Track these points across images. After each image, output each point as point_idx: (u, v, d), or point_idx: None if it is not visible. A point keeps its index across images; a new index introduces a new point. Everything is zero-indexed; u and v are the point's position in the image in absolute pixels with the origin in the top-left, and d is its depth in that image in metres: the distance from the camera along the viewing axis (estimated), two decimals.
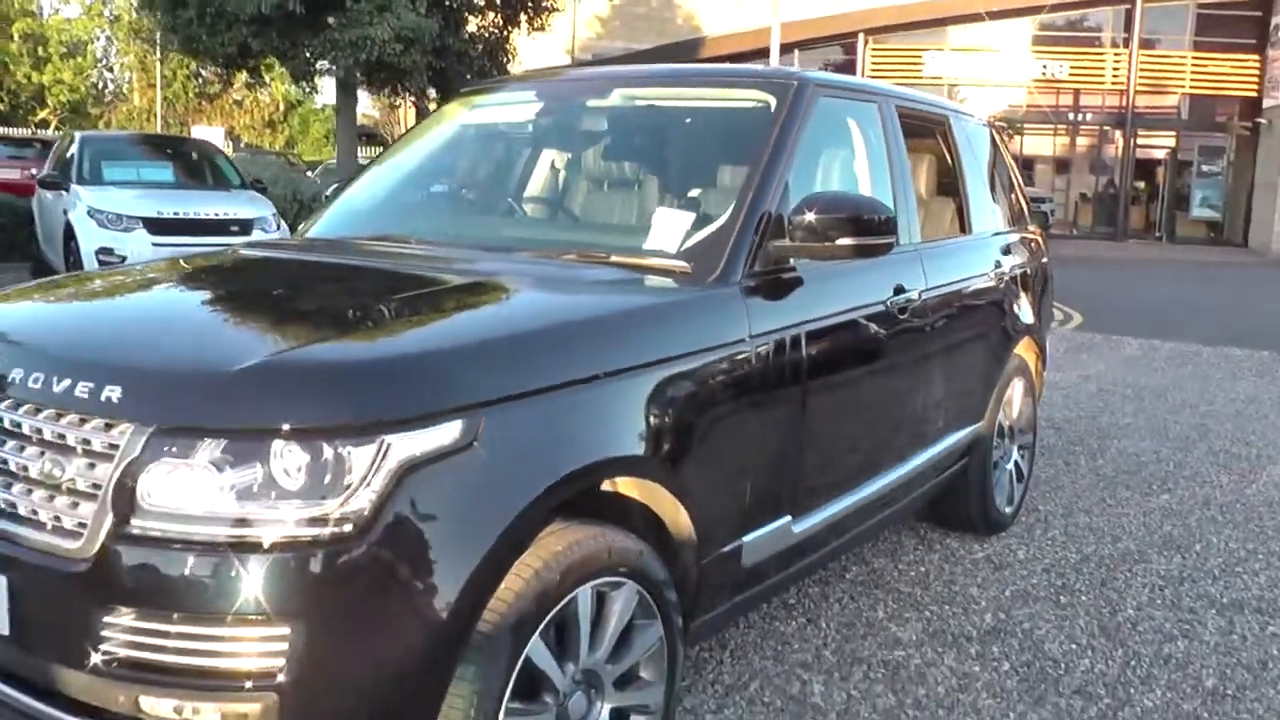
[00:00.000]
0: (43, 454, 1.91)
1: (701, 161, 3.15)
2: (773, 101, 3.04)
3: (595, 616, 2.16)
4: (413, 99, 16.93)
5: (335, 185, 3.69)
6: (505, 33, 16.35)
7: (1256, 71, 27.92)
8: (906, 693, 3.06)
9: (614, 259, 2.68)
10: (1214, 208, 29.60)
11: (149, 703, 1.78)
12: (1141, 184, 31.02)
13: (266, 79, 17.46)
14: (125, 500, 1.79)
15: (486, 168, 3.55)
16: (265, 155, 26.99)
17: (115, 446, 1.82)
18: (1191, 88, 29.01)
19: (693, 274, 2.60)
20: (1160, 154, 30.70)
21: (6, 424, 1.98)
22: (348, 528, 1.75)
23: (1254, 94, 28.01)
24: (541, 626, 2.00)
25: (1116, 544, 4.38)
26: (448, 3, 14.35)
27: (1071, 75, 29.93)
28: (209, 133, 29.23)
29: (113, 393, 1.85)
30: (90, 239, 8.30)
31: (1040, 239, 5.12)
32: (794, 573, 2.99)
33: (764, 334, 2.62)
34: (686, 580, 2.42)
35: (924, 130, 3.98)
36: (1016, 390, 4.48)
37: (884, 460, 3.36)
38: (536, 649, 2.00)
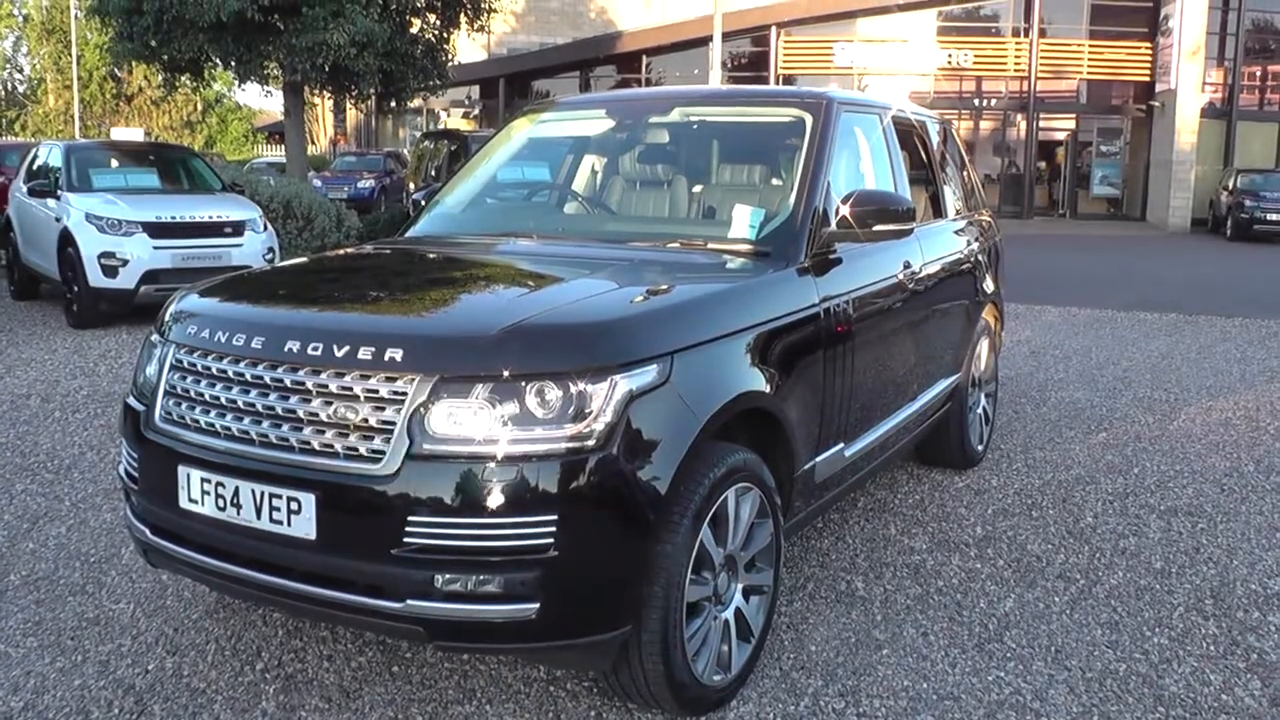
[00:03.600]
0: (330, 403, 2.54)
1: (755, 165, 3.89)
2: (807, 118, 3.79)
3: (734, 514, 2.88)
4: (353, 99, 17.33)
5: (424, 191, 4.32)
6: (446, 33, 16.84)
7: (1149, 58, 29.69)
8: (929, 584, 3.86)
9: (711, 246, 3.42)
10: (1113, 185, 31.40)
11: (443, 579, 2.43)
12: (1044, 164, 32.63)
13: (209, 81, 17.60)
14: (417, 431, 2.45)
15: (573, 173, 4.23)
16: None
17: (402, 393, 2.47)
18: (1089, 73, 30.63)
19: (771, 256, 3.34)
20: (1061, 136, 32.33)
21: (289, 383, 2.60)
22: (590, 443, 2.44)
23: (1147, 79, 29.78)
24: (708, 518, 2.72)
25: (1069, 471, 5.26)
26: (393, 6, 14.80)
27: (975, 63, 31.20)
28: (128, 134, 28.90)
29: (395, 354, 2.49)
30: (92, 244, 8.64)
31: (992, 220, 5.98)
32: (844, 489, 3.76)
33: (825, 300, 3.38)
34: (783, 490, 3.17)
35: (908, 132, 4.78)
36: (983, 347, 5.33)
37: (900, 401, 4.15)
38: (705, 534, 2.73)
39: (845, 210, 3.49)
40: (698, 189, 3.87)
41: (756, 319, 3.00)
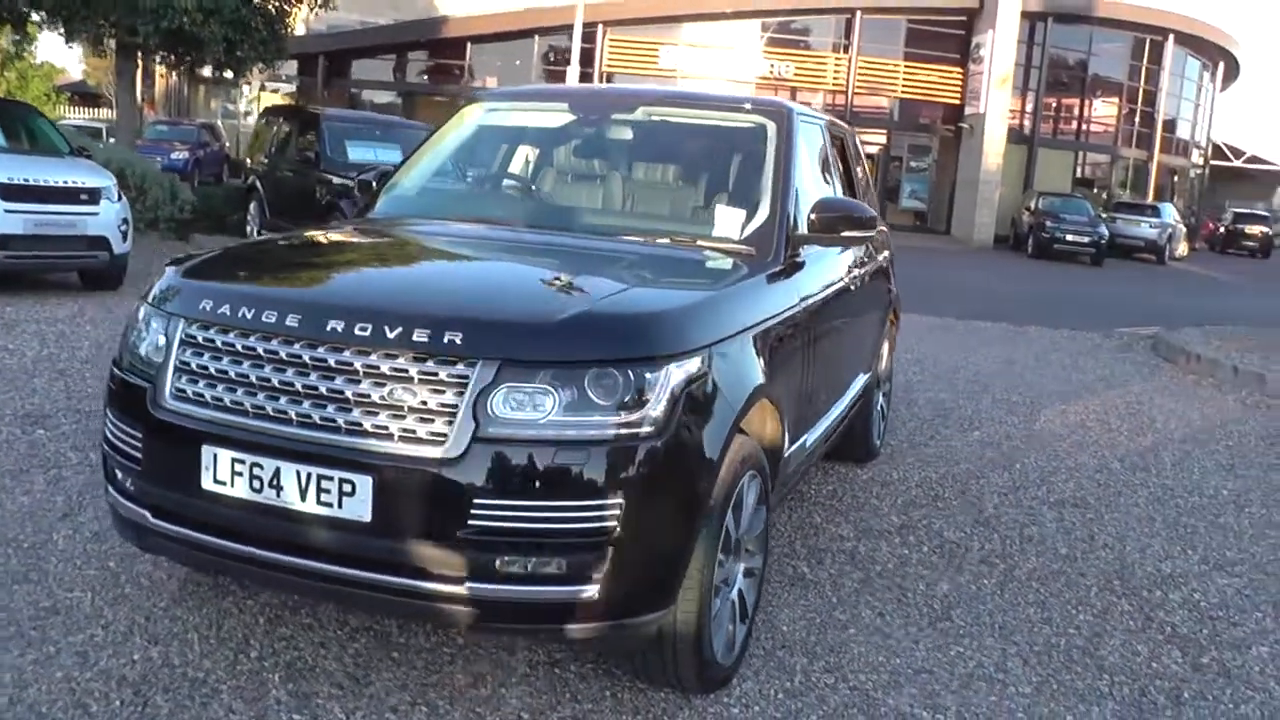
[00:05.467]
0: (381, 384, 2.51)
1: (722, 167, 4.03)
2: (769, 125, 3.97)
3: (746, 499, 3.02)
4: (184, 67, 16.41)
5: (377, 174, 4.24)
6: (288, 5, 16.20)
7: (959, 82, 31.75)
8: (868, 569, 4.12)
9: (699, 243, 3.54)
10: (920, 200, 33.43)
11: (504, 561, 2.46)
12: None
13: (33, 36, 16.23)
14: (481, 414, 2.45)
15: (542, 165, 4.23)
16: None
17: (464, 377, 2.47)
18: (903, 92, 32.48)
19: (756, 256, 3.50)
20: (873, 150, 34.08)
21: (333, 363, 2.55)
22: (649, 429, 2.51)
23: (957, 102, 31.85)
24: (732, 501, 2.85)
25: (958, 466, 5.68)
26: None
27: (796, 75, 32.50)
28: None
29: (454, 337, 2.48)
30: None
31: (886, 227, 6.36)
32: (798, 476, 3.97)
33: (803, 299, 3.57)
34: (771, 478, 3.33)
35: (839, 143, 5.04)
36: (885, 347, 5.68)
37: (837, 396, 4.40)
38: (729, 518, 2.86)
39: (814, 216, 3.69)
40: (669, 187, 3.99)
41: (763, 315, 3.15)
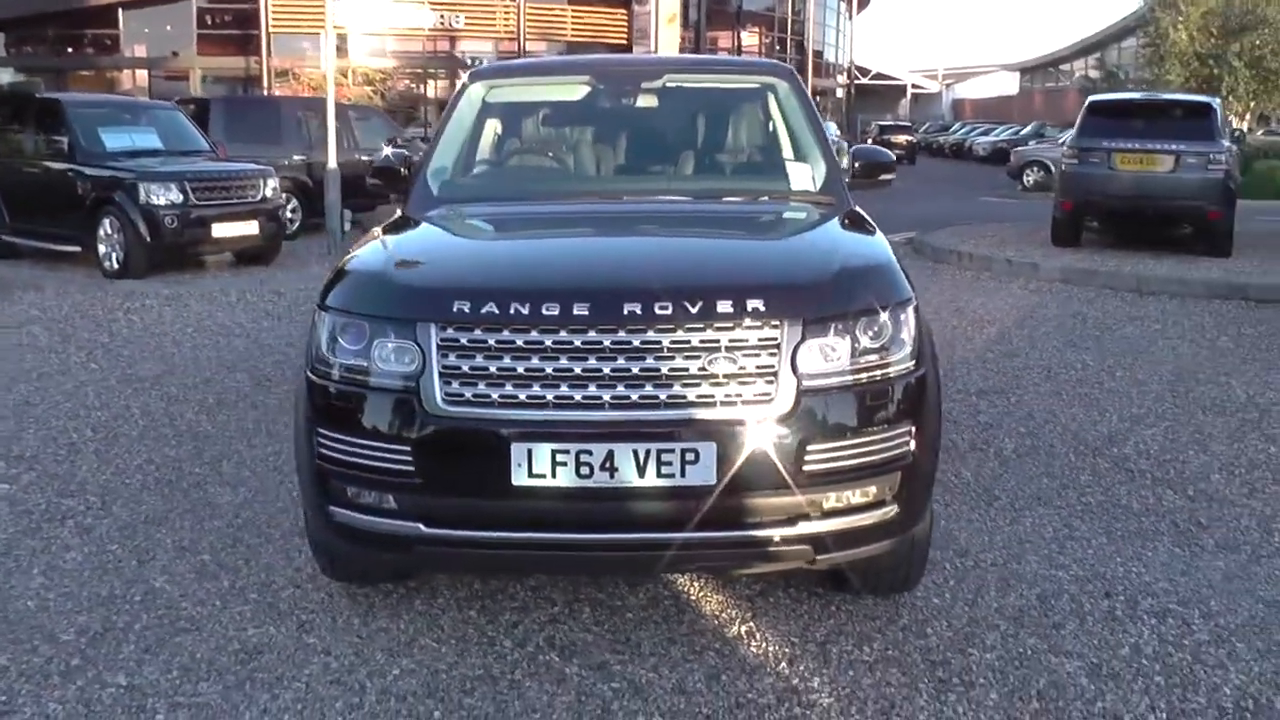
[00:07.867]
0: (695, 356, 2.68)
1: (757, 124, 4.35)
2: (781, 84, 4.34)
3: None
4: None
5: (399, 158, 4.13)
6: None
7: (625, 23, 33.09)
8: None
9: (793, 199, 3.87)
10: None
11: (829, 497, 2.76)
12: None
13: None
14: (797, 370, 2.71)
15: (606, 137, 4.22)
16: None
17: (773, 339, 2.70)
18: (573, 36, 33.40)
19: (835, 205, 3.87)
20: None
21: (637, 344, 2.67)
22: (911, 363, 2.88)
23: (625, 42, 33.18)
24: None
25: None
26: None
27: (468, 25, 32.58)
28: None
29: (757, 304, 2.71)
30: None
31: None
32: None
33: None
34: None
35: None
36: None
37: None
38: None
39: (858, 164, 4.13)
40: (724, 148, 4.25)
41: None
